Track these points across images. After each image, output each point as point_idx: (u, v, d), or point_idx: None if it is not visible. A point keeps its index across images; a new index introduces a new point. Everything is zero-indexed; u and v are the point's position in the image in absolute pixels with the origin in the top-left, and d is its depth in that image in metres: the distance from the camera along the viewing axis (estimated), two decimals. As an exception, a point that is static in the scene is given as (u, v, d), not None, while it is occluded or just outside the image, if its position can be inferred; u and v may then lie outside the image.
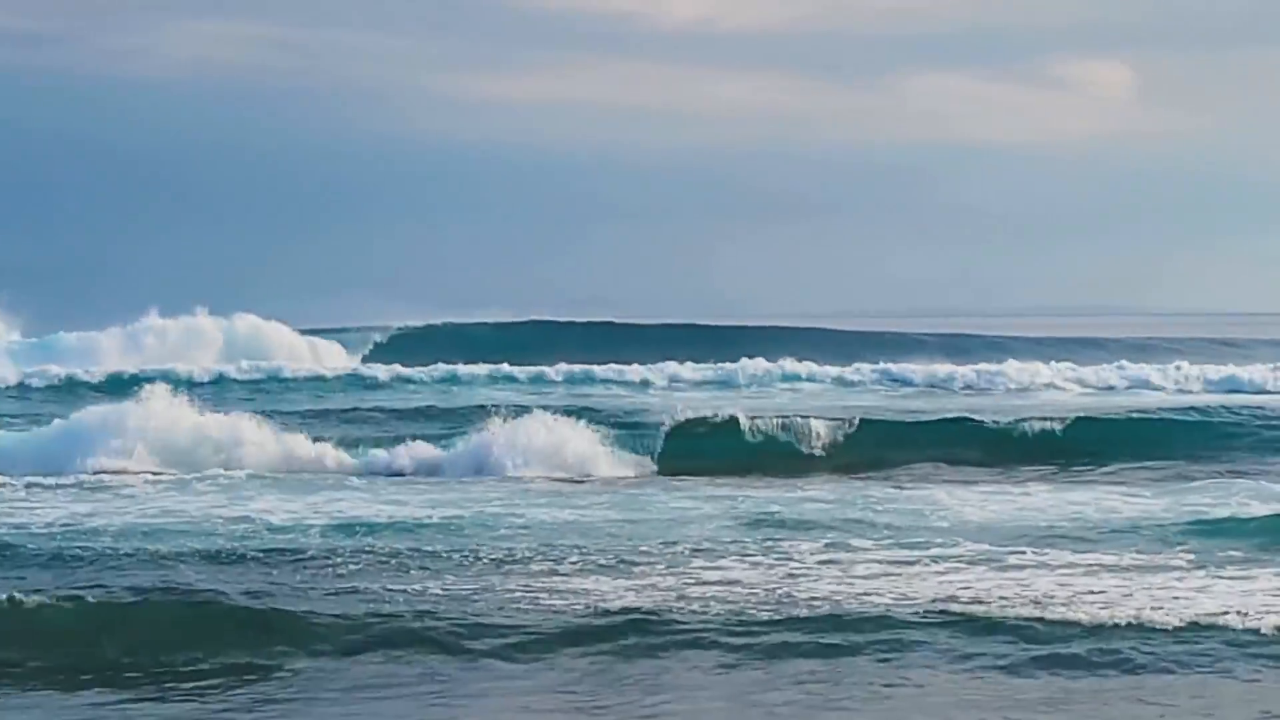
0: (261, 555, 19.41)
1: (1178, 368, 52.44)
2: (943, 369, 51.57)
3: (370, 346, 61.05)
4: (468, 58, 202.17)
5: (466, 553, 19.56)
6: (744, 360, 52.19)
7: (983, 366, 51.76)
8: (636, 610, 15.89)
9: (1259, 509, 23.04)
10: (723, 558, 19.25)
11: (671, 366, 51.14)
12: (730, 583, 17.68)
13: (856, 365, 52.66)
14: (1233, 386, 49.63)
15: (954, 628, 15.14)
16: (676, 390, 47.00)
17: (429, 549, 19.83)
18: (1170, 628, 15.23)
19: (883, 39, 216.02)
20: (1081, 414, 35.66)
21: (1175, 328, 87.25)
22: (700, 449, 31.46)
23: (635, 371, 50.60)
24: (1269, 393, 47.56)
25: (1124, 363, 53.41)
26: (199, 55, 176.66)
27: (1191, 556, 19.27)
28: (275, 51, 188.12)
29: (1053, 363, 52.62)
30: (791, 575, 18.11)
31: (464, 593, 17.09)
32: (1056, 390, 48.03)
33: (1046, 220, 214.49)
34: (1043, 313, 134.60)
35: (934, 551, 19.64)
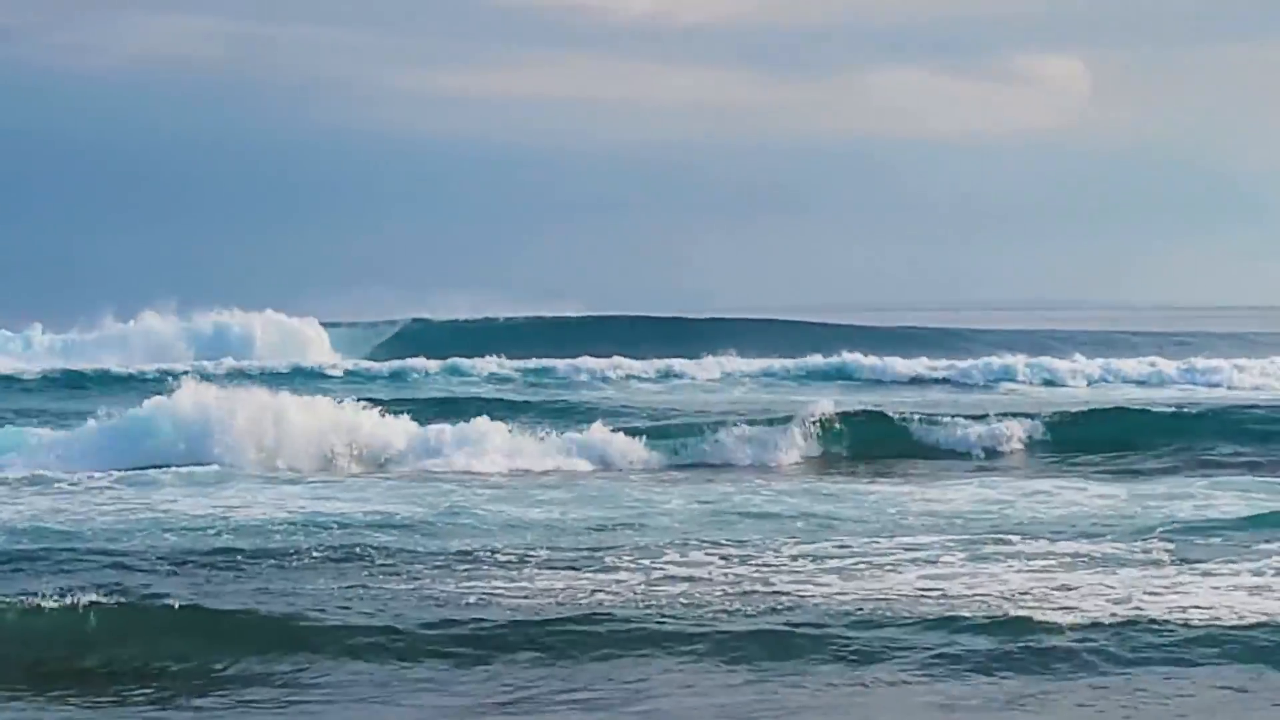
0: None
1: (1152, 364, 52.64)
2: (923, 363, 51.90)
3: (383, 339, 60.84)
4: (426, 52, 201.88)
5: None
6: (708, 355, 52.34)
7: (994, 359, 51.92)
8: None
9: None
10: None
11: (678, 363, 51.22)
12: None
13: (843, 356, 52.75)
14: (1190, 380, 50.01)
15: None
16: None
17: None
18: (1149, 624, 15.01)
19: (840, 33, 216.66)
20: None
21: (1132, 321, 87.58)
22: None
23: (624, 365, 50.79)
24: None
25: (1156, 357, 53.48)
26: (155, 50, 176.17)
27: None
28: (231, 46, 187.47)
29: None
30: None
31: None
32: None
33: (1002, 214, 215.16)
34: (999, 306, 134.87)
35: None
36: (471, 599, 16.37)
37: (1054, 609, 15.79)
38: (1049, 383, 50.58)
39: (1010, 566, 18.12)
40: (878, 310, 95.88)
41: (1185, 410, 34.91)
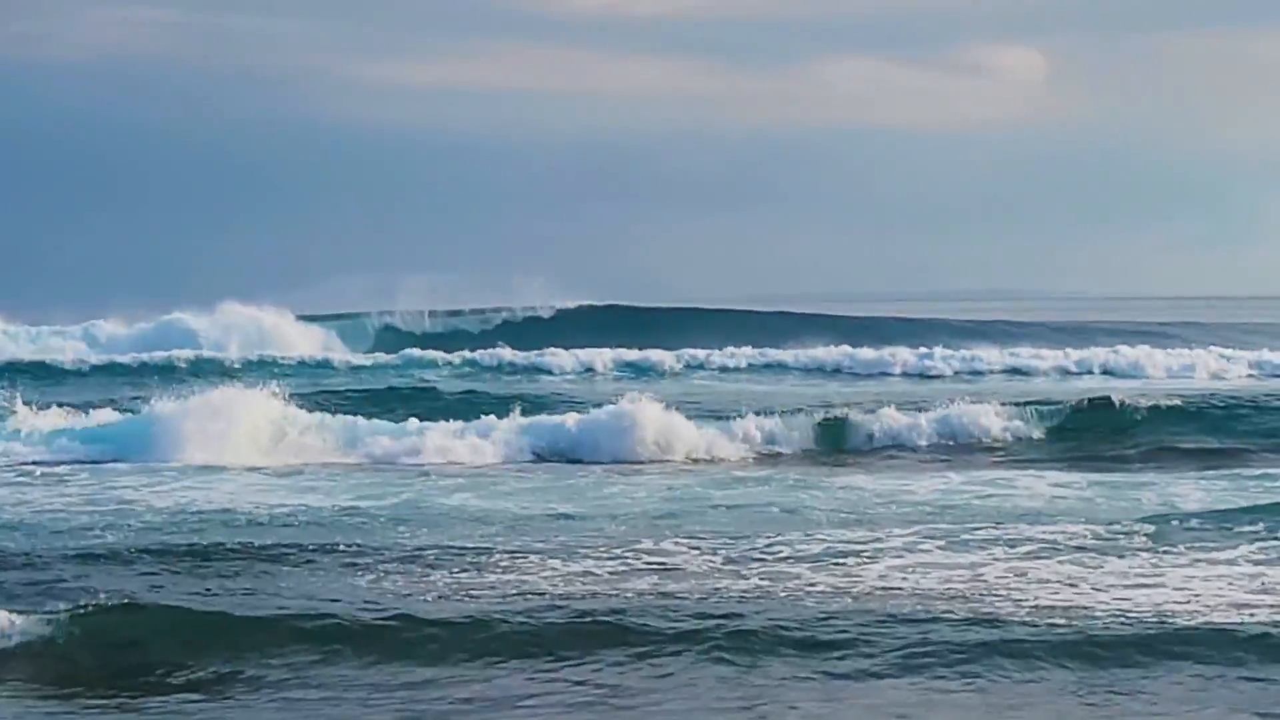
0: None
1: (1115, 351, 52.75)
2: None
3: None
4: (378, 43, 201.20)
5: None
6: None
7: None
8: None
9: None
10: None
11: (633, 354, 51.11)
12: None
13: (828, 348, 52.77)
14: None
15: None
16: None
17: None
18: (1118, 618, 15.00)
19: (795, 23, 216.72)
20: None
21: (1090, 312, 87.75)
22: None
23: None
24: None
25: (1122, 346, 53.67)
26: (105, 40, 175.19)
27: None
28: (182, 36, 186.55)
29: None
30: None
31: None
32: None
33: (959, 205, 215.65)
34: (956, 296, 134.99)
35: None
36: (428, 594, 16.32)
37: (1023, 601, 15.77)
38: (1014, 370, 50.53)
39: (983, 558, 18.06)
40: (834, 300, 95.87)
41: (1159, 402, 34.73)
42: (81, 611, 14.49)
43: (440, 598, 16.00)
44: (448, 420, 31.02)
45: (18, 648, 13.95)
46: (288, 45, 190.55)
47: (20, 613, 14.44)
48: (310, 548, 18.66)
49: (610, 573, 17.33)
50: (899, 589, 16.50)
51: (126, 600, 15.03)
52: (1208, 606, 15.58)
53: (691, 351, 52.38)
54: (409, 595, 16.08)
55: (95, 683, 13.49)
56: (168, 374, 45.37)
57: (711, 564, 17.83)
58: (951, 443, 31.81)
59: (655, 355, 51.69)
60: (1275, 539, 18.94)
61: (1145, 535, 19.31)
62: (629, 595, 16.05)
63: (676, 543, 19.10)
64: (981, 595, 16.04)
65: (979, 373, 50.36)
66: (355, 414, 31.72)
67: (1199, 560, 17.85)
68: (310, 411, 31.20)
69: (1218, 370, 50.93)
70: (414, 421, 30.84)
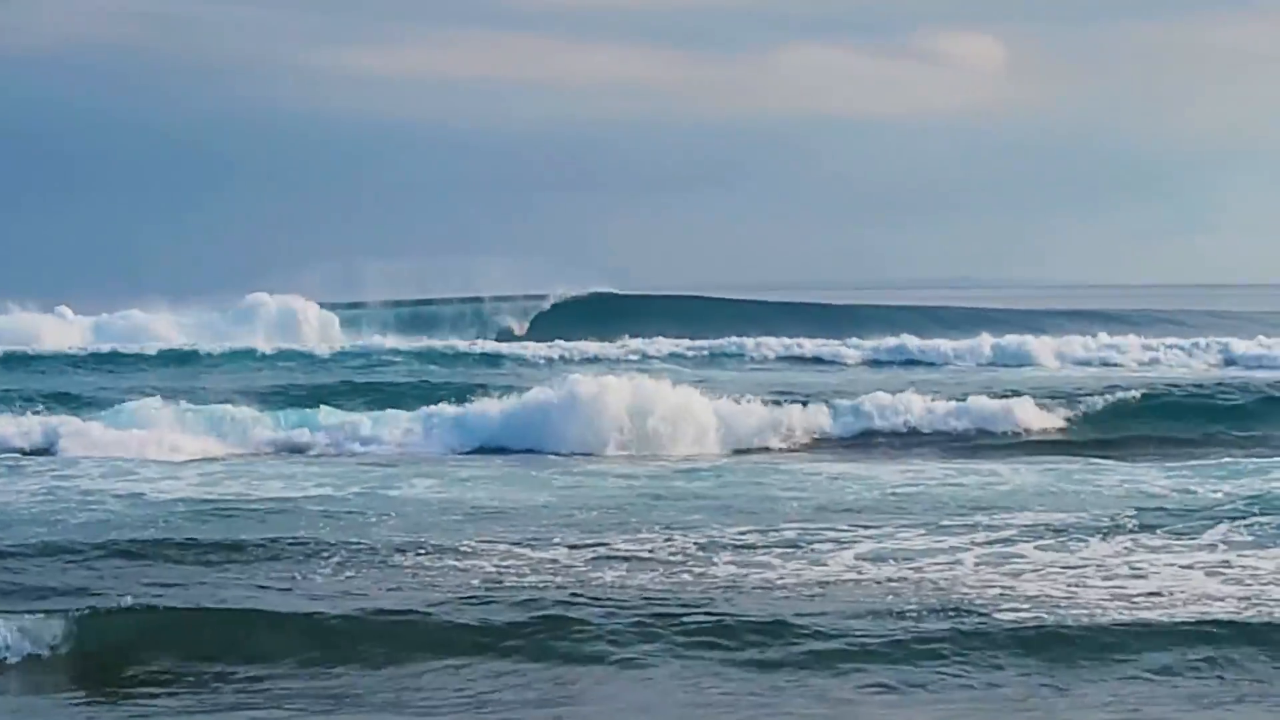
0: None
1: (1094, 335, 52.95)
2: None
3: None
4: (340, 31, 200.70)
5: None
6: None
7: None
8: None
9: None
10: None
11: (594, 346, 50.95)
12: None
13: (802, 339, 52.78)
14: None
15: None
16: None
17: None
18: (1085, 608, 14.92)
19: (754, 12, 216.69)
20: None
21: (1047, 300, 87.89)
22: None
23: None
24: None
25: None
26: (70, 30, 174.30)
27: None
28: (143, 24, 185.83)
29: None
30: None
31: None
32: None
33: (918, 192, 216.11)
34: (914, 285, 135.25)
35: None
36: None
37: (996, 592, 15.69)
38: (975, 360, 50.45)
39: (954, 547, 17.94)
40: (795, 289, 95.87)
41: (1135, 391, 34.70)
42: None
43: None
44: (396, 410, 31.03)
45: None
46: (249, 33, 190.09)
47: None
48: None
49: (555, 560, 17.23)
50: (866, 579, 16.42)
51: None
52: (1176, 598, 15.53)
53: (641, 342, 52.29)
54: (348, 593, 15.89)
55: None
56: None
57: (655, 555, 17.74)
58: (911, 432, 31.62)
59: (633, 344, 51.64)
60: (1245, 529, 18.86)
61: (1113, 525, 19.23)
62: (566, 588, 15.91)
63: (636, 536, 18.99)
64: (949, 589, 15.93)
65: (939, 361, 50.28)
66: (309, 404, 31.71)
67: (1169, 550, 17.79)
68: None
69: (1177, 360, 51.02)
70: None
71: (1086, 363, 50.24)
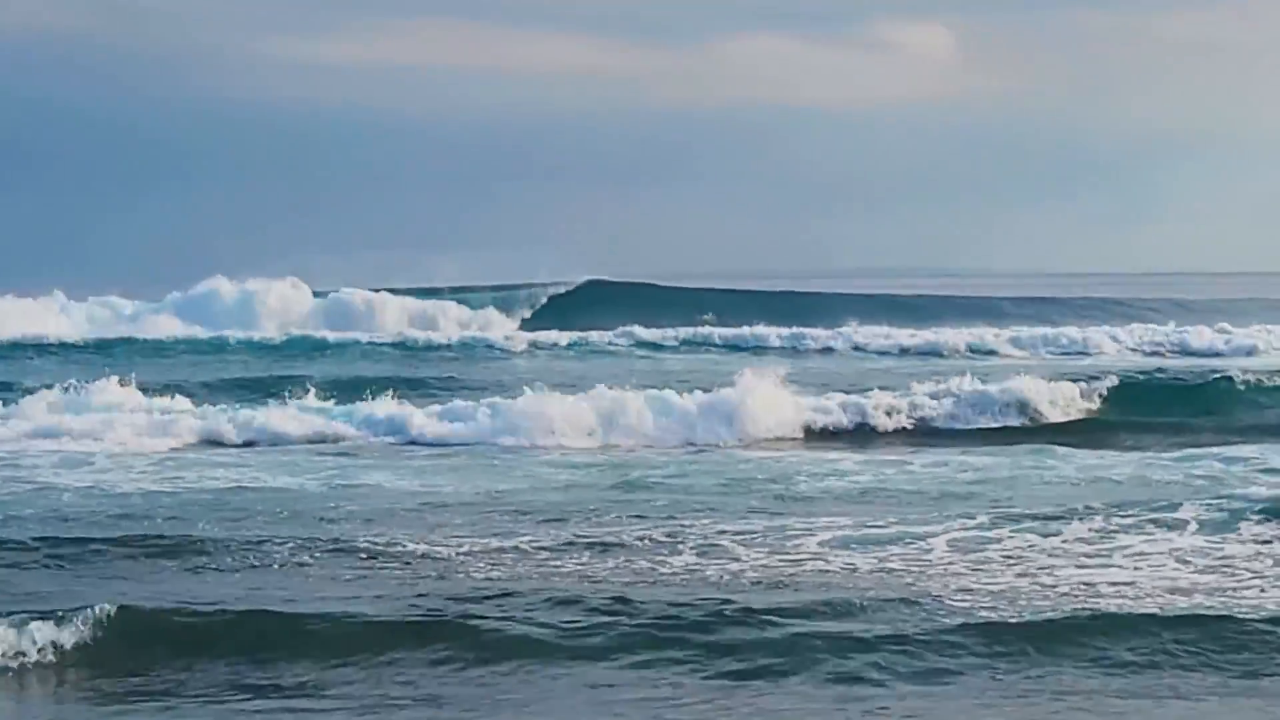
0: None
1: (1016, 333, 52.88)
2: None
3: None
4: (291, 19, 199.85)
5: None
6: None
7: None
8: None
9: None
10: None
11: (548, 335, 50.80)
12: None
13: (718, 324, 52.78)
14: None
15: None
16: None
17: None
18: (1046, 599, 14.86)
19: (706, 1, 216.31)
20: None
21: (1000, 288, 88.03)
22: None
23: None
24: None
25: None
26: (25, 20, 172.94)
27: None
28: (92, 12, 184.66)
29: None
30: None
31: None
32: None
33: (868, 182, 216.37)
34: (863, 274, 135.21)
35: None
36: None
37: (962, 582, 15.63)
38: (930, 353, 50.40)
39: (923, 540, 17.76)
40: (745, 278, 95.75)
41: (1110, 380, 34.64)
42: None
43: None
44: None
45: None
46: (202, 22, 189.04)
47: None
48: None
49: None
50: (832, 570, 16.32)
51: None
52: (1142, 587, 15.49)
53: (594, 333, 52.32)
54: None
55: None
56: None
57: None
58: (869, 425, 31.45)
59: (594, 336, 51.55)
60: (1205, 517, 18.77)
61: (1072, 513, 19.13)
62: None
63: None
64: (914, 582, 15.82)
65: (889, 350, 50.25)
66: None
67: (1133, 538, 17.68)
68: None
69: (1132, 347, 51.23)
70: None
71: (1033, 347, 50.39)
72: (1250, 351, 48.97)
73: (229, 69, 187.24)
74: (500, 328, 56.70)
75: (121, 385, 31.72)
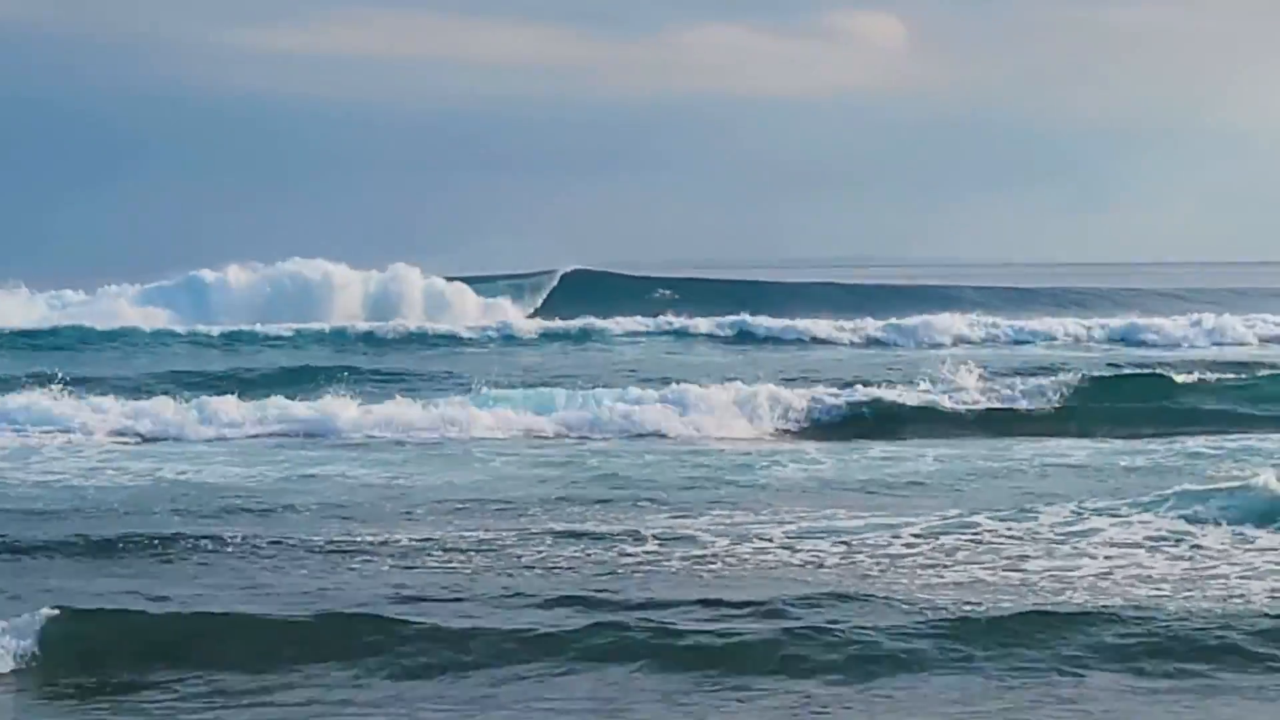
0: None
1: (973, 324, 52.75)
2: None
3: None
4: (246, 8, 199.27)
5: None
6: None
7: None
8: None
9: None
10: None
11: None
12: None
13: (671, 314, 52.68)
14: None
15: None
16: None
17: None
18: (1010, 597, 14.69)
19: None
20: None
21: (952, 277, 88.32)
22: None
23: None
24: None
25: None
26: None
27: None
28: (55, 3, 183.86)
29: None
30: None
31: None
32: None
33: (823, 171, 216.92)
34: (811, 264, 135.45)
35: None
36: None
37: (926, 575, 15.51)
38: (873, 341, 50.29)
39: (882, 534, 17.56)
40: (696, 267, 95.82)
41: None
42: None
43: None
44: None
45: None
46: (159, 11, 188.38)
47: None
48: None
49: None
50: (794, 562, 16.17)
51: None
52: (1115, 578, 15.37)
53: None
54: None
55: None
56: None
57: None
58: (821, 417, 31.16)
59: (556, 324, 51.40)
60: (1171, 509, 18.61)
61: (1034, 506, 18.96)
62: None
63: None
64: (873, 577, 15.63)
65: (841, 341, 50.14)
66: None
67: (1100, 529, 17.52)
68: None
69: (1081, 338, 51.26)
70: None
71: (993, 340, 50.38)
72: (1213, 342, 49.28)
73: (186, 58, 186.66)
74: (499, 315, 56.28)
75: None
